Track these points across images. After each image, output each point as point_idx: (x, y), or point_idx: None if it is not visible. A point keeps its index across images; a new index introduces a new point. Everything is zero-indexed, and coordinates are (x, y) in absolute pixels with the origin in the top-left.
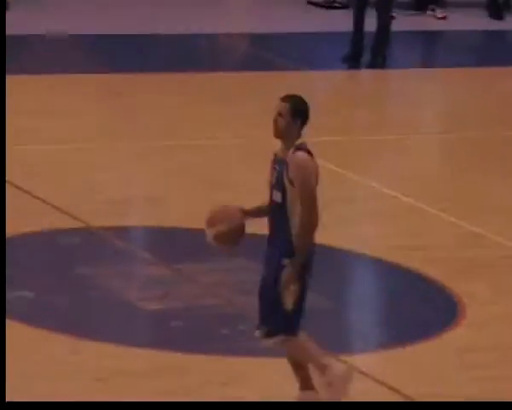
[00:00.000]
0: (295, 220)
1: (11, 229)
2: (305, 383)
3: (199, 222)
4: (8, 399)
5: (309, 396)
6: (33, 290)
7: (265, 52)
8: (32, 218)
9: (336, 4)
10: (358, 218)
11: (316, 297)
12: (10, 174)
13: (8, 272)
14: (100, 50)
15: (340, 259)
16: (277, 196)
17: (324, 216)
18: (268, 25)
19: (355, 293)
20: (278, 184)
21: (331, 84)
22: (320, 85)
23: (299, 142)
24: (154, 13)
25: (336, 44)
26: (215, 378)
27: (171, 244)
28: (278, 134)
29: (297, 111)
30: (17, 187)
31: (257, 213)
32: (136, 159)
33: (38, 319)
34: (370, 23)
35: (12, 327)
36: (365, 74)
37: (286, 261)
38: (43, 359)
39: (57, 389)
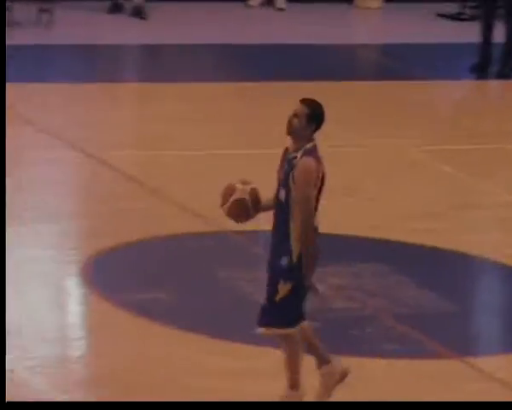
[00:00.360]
0: (294, 222)
1: (147, 232)
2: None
3: (332, 228)
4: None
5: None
6: (168, 292)
7: (396, 62)
8: (168, 221)
9: (465, 16)
10: (485, 224)
11: (442, 301)
12: (147, 178)
13: (145, 273)
14: (232, 59)
15: (467, 264)
16: (282, 194)
17: (451, 222)
18: (398, 36)
19: (480, 297)
20: (284, 183)
21: (459, 94)
22: (448, 95)
23: (310, 145)
24: (285, 26)
25: (465, 55)
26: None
27: None
28: (290, 133)
29: (313, 116)
30: (153, 191)
31: (266, 207)
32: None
33: (173, 320)
34: (499, 34)
35: (148, 328)
36: (493, 84)
37: (284, 259)
38: (179, 359)
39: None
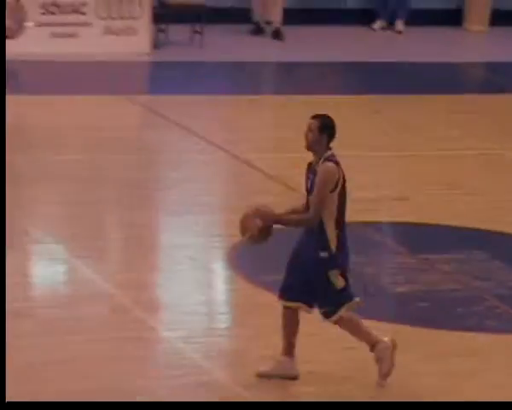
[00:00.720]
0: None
1: None
2: (288, 350)
3: (439, 218)
4: None
5: (285, 363)
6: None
7: (499, 78)
8: None
9: None
10: None
11: None
12: (284, 177)
13: (280, 258)
14: (356, 75)
15: None
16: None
17: None
18: (504, 56)
19: None
20: (311, 191)
21: None
22: None
23: (328, 153)
24: (403, 46)
25: None
26: (455, 351)
27: (418, 237)
28: (308, 147)
29: (324, 127)
30: (290, 188)
31: (290, 214)
32: (386, 164)
33: None
34: None
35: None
36: None
37: (323, 254)
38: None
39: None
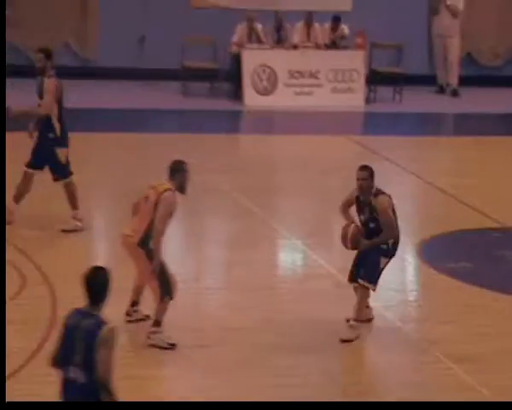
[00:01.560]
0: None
1: (456, 226)
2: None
3: None
4: None
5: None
6: (471, 263)
7: None
8: (472, 220)
9: None
10: None
11: None
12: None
13: (457, 250)
14: None
15: None
16: (371, 225)
17: None
18: None
19: None
20: (371, 218)
21: None
22: None
23: (375, 189)
24: None
25: None
26: None
27: None
28: (363, 193)
29: (372, 174)
30: (461, 203)
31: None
32: None
33: (474, 281)
34: None
35: (457, 285)
36: None
37: (384, 246)
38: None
39: None
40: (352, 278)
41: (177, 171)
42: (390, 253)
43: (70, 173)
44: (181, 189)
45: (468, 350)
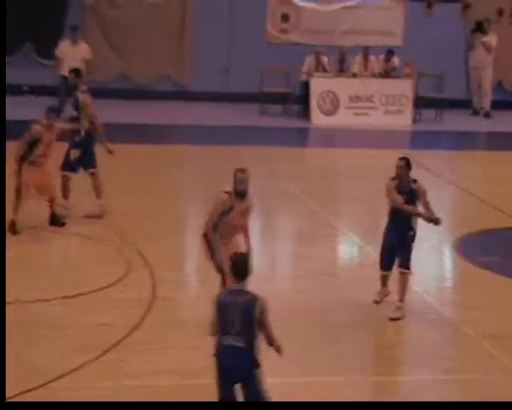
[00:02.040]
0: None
1: (487, 225)
2: None
3: None
4: None
5: None
6: (500, 257)
7: None
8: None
9: None
10: None
11: None
12: (492, 201)
13: (488, 246)
14: None
15: None
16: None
17: None
18: None
19: None
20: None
21: None
22: None
23: (411, 178)
24: None
25: None
26: None
27: None
28: (400, 178)
29: (409, 164)
30: (491, 205)
31: None
32: None
33: (502, 272)
34: None
35: (488, 276)
36: None
37: (411, 233)
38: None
39: None
40: (388, 266)
41: (233, 176)
42: (415, 238)
43: (71, 170)
44: (235, 192)
45: (497, 329)
